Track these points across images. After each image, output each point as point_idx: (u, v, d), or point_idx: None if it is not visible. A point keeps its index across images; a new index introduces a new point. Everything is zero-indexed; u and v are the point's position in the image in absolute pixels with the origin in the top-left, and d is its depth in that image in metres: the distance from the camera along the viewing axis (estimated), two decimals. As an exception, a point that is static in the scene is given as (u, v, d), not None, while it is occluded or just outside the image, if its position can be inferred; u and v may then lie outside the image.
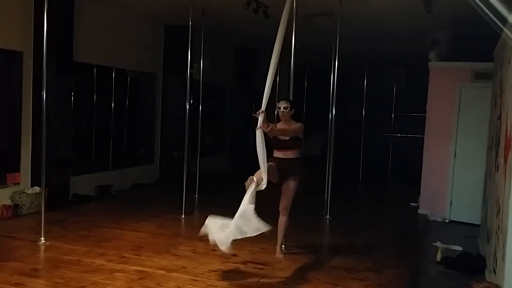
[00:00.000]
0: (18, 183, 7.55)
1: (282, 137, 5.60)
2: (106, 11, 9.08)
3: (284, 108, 5.60)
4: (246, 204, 4.84)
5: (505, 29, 4.99)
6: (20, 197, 7.32)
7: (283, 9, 5.67)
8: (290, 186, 5.63)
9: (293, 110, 5.66)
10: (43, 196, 6.18)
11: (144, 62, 10.34)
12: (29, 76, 7.57)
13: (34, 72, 7.52)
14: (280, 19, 5.54)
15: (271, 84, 5.37)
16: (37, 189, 7.44)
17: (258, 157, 5.18)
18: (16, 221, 7.04)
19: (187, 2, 7.59)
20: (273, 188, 5.54)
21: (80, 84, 8.66)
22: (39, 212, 6.32)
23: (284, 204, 5.67)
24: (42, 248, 5.80)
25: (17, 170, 7.56)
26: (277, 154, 5.66)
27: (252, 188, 4.97)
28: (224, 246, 4.74)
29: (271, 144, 5.64)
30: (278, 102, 5.69)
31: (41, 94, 6.10)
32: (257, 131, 5.18)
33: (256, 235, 4.83)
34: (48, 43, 5.99)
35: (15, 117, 7.49)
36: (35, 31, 7.47)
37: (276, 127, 5.59)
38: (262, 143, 5.16)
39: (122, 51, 9.64)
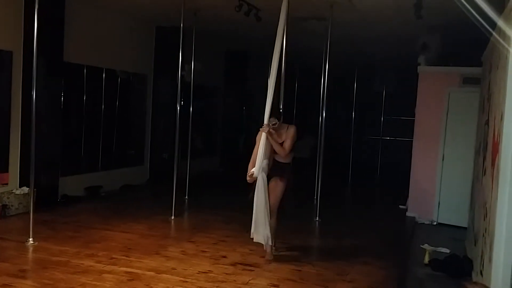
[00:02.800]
0: (7, 184, 7.50)
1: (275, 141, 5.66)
2: (97, 11, 9.05)
3: (273, 125, 5.63)
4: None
5: (494, 33, 5.05)
6: (8, 198, 7.27)
7: (274, 12, 5.71)
8: (277, 186, 5.67)
9: (281, 118, 5.74)
10: (31, 196, 6.14)
11: (134, 63, 10.32)
12: (18, 76, 7.52)
13: (24, 72, 7.48)
14: (275, 23, 5.58)
15: (273, 90, 5.46)
16: (25, 189, 7.40)
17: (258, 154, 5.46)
18: (4, 221, 6.98)
19: (178, 3, 7.59)
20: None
21: (70, 84, 8.62)
22: (27, 213, 6.27)
23: (270, 205, 5.69)
24: (31, 249, 5.76)
25: (6, 170, 7.51)
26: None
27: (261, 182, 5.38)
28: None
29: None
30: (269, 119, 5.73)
31: (30, 94, 6.07)
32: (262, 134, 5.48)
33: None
34: (38, 43, 5.96)
35: (4, 117, 7.43)
36: (25, 31, 7.43)
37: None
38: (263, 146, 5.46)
39: (112, 52, 9.61)
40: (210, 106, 13.35)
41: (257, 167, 5.43)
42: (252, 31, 9.51)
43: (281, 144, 5.67)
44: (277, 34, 5.60)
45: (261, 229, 5.48)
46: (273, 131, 5.59)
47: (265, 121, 5.51)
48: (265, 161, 5.44)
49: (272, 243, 5.86)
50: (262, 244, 5.83)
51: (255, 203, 5.47)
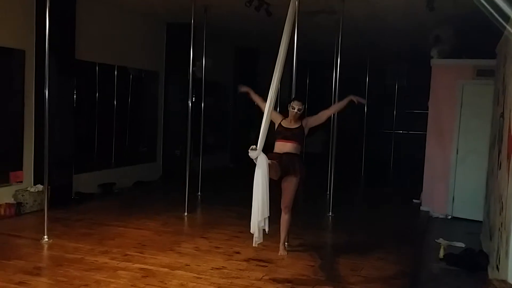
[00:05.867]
0: (21, 181, 7.56)
1: (288, 126, 5.62)
2: (108, 9, 9.07)
3: (298, 110, 5.63)
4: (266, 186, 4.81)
5: (507, 27, 4.97)
6: (23, 195, 7.34)
7: (285, 7, 5.65)
8: (290, 183, 5.60)
9: (305, 108, 5.72)
10: (46, 194, 6.18)
11: (146, 60, 10.34)
12: (31, 74, 7.57)
13: (36, 71, 7.52)
14: (285, 18, 5.51)
15: (278, 88, 5.27)
16: (40, 187, 7.46)
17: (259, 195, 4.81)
18: (19, 219, 7.05)
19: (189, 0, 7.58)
20: (274, 186, 5.54)
21: (82, 82, 8.67)
22: (42, 210, 6.32)
23: (285, 202, 5.66)
24: (45, 246, 5.81)
25: (20, 168, 7.57)
26: (278, 145, 5.65)
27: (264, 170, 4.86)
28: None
29: (274, 135, 5.66)
30: (293, 101, 5.69)
31: (43, 92, 6.10)
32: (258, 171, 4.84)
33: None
34: (50, 41, 5.98)
35: (17, 116, 7.49)
36: (37, 30, 7.47)
37: (281, 124, 5.65)
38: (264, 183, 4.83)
39: (124, 49, 9.64)
40: (221, 103, 13.35)
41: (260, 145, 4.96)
42: (263, 27, 9.48)
43: (291, 129, 5.65)
44: (285, 27, 5.48)
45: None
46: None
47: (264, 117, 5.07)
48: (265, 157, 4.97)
49: (286, 238, 5.86)
50: (276, 240, 5.83)
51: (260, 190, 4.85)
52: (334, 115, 8.43)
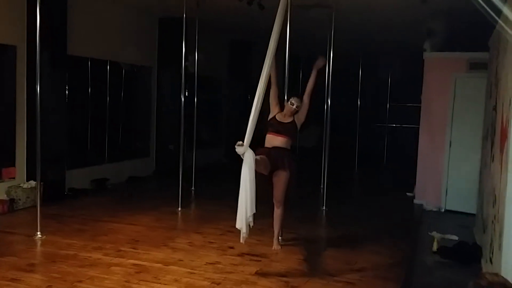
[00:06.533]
0: (14, 178, 7.52)
1: (281, 120, 5.61)
2: (100, 3, 9.01)
3: (296, 107, 5.65)
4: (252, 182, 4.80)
5: (499, 21, 4.97)
6: (15, 192, 7.30)
7: (278, 0, 5.62)
8: (281, 177, 5.60)
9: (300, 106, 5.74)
10: (38, 190, 6.15)
11: (138, 55, 10.28)
12: (23, 70, 7.51)
13: (28, 66, 7.46)
14: (276, 11, 5.48)
15: (266, 84, 5.22)
16: (32, 183, 7.41)
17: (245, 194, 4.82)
18: (12, 215, 7.02)
19: (181, -6, 7.54)
20: (266, 181, 5.54)
21: (74, 77, 8.61)
22: (35, 207, 6.27)
23: (277, 196, 5.66)
24: (39, 242, 5.79)
25: (13, 164, 7.53)
26: (268, 138, 5.65)
27: (250, 165, 4.84)
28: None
29: (266, 127, 5.66)
30: (292, 98, 5.72)
31: (35, 88, 6.05)
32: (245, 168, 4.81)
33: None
34: (41, 36, 5.94)
35: (9, 112, 7.44)
36: (28, 25, 7.40)
37: (275, 117, 5.67)
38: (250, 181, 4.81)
39: (116, 44, 9.58)
40: (214, 97, 13.31)
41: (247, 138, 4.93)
42: (256, 21, 9.43)
43: (284, 124, 5.66)
44: (275, 21, 5.42)
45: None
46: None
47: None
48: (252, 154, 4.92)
49: (279, 233, 5.86)
50: (269, 234, 5.83)
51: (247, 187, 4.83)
52: (327, 108, 8.45)
